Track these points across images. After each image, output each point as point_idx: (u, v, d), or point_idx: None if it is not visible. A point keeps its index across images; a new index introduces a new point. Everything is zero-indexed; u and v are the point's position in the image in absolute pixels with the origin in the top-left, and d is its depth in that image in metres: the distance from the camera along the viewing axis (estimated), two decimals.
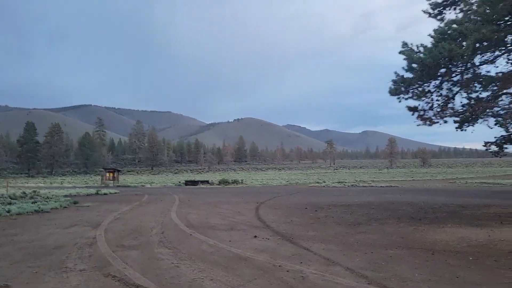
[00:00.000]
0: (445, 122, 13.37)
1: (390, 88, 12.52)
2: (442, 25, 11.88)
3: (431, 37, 11.89)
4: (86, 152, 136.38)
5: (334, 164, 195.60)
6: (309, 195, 33.49)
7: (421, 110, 13.31)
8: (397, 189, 43.84)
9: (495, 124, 20.16)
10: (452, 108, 11.59)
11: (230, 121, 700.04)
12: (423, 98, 13.05)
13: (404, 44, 12.39)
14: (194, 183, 57.99)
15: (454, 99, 13.60)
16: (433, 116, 13.06)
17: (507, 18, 11.66)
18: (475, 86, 13.15)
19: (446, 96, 13.22)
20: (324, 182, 60.22)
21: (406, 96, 12.78)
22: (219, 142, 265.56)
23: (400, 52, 12.52)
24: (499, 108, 19.26)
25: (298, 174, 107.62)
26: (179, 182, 62.21)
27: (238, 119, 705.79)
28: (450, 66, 11.85)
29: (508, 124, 20.01)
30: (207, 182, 59.03)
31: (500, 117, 19.21)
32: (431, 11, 12.83)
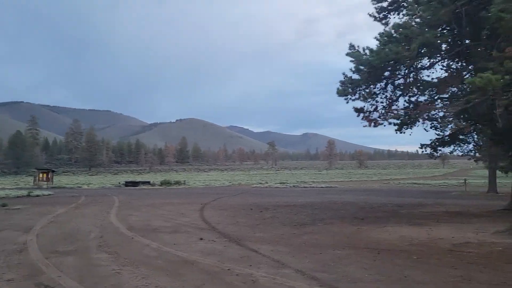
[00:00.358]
0: (390, 124, 13.70)
1: (338, 89, 12.58)
2: (387, 29, 12.11)
3: (377, 40, 12.08)
4: (17, 151, 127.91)
5: (276, 165, 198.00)
6: (253, 195, 33.38)
7: (367, 111, 13.51)
8: (337, 189, 44.94)
9: (431, 128, 21.04)
10: (396, 110, 11.78)
11: (172, 121, 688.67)
12: (369, 100, 13.26)
13: (351, 46, 12.49)
14: (134, 184, 56.07)
15: (398, 101, 13.96)
16: (378, 117, 13.28)
17: (444, 26, 12.09)
18: (414, 91, 13.54)
19: (391, 98, 13.52)
20: (267, 183, 60.56)
21: (353, 97, 12.92)
22: (161, 143, 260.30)
23: (347, 54, 12.61)
24: (435, 112, 20.14)
25: (240, 175, 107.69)
26: (119, 183, 59.88)
27: (180, 119, 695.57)
28: (395, 69, 12.10)
29: (443, 127, 20.98)
30: (148, 183, 57.33)
31: (435, 120, 20.04)
32: (376, 14, 13.08)
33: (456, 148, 22.85)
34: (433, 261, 9.13)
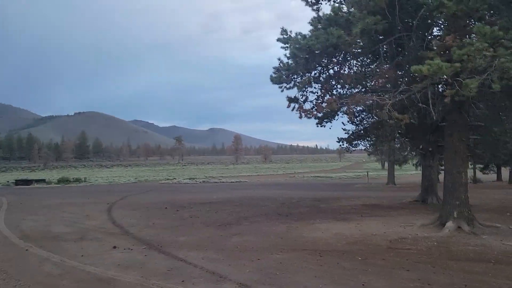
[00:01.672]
0: (323, 114, 12.90)
1: (272, 76, 11.42)
2: (321, 13, 11.22)
3: (311, 25, 11.11)
4: None
5: (182, 160, 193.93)
6: (163, 192, 31.19)
7: (300, 101, 12.55)
8: (247, 184, 44.29)
9: (348, 122, 20.90)
10: (330, 101, 10.92)
11: (70, 114, 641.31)
12: (305, 88, 12.29)
13: (284, 31, 11.38)
14: (27, 182, 49.89)
15: (332, 91, 13.16)
16: (312, 108, 12.38)
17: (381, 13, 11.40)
18: (346, 81, 12.87)
19: (325, 88, 12.68)
20: (175, 178, 58.17)
21: (288, 86, 11.84)
22: (58, 137, 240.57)
23: (278, 40, 11.49)
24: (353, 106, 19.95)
25: (146, 171, 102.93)
26: (8, 181, 53.05)
27: (79, 112, 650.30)
28: (333, 55, 11.26)
29: (357, 121, 20.95)
30: (43, 181, 51.57)
31: (352, 115, 19.88)
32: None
33: (360, 142, 23.18)
34: (379, 262, 8.33)
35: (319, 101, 12.60)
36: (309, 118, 11.59)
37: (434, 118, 10.58)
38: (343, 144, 21.09)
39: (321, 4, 12.31)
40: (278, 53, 11.79)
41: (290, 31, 11.50)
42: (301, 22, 14.99)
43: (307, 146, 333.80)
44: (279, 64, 11.55)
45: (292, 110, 12.47)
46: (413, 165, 46.00)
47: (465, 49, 8.38)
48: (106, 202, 22.22)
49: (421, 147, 18.46)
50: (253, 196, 25.14)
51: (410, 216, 14.53)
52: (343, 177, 63.77)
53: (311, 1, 12.20)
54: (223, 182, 49.86)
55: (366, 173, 49.61)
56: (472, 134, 17.32)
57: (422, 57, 9.62)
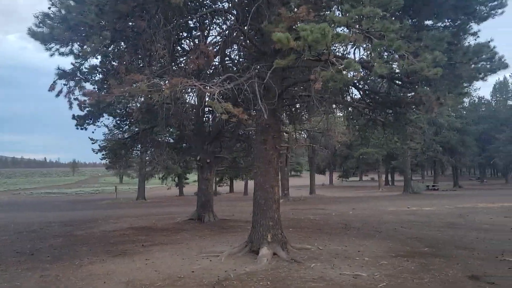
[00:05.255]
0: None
1: (34, 29, 6.54)
2: None
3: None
4: None
5: None
6: None
7: (81, 77, 7.97)
8: None
9: (114, 127, 16.81)
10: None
11: None
12: (89, 57, 7.71)
13: None
14: None
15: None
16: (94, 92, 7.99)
17: None
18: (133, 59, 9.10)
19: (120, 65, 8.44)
20: None
21: (63, 48, 7.17)
22: None
23: None
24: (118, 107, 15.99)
25: None
26: None
27: None
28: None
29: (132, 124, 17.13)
30: None
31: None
32: None
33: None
34: None
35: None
36: (86, 108, 7.27)
37: (265, 116, 7.99)
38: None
39: None
40: None
41: None
42: None
43: (34, 159, 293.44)
44: (50, 9, 6.85)
45: (58, 95, 7.79)
46: (159, 178, 44.29)
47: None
48: None
49: (198, 158, 16.05)
50: None
51: (203, 242, 11.63)
52: (80, 192, 56.82)
53: None
54: None
55: (114, 188, 44.81)
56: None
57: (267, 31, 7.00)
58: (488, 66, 7.21)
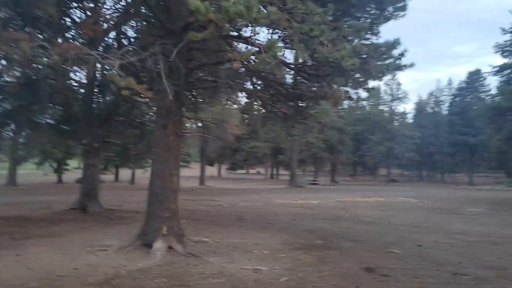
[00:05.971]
0: None
1: None
2: None
3: None
4: None
5: None
6: None
7: None
8: None
9: None
10: None
11: None
12: None
13: None
14: None
15: None
16: None
17: None
18: None
19: None
20: None
21: None
22: None
23: None
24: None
25: None
26: None
27: None
28: None
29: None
30: None
31: None
32: None
33: None
34: None
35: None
36: None
37: (171, 97, 7.15)
38: None
39: None
40: None
41: None
42: None
43: None
44: None
45: None
46: (35, 163, 39.53)
47: None
48: None
49: (85, 142, 14.31)
50: None
51: (87, 235, 10.28)
52: None
53: None
54: None
55: None
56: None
57: None
58: (397, 63, 7.40)
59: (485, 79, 73.63)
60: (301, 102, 11.01)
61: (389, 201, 23.59)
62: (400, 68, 7.46)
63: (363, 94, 9.13)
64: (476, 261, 8.25)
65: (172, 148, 8.94)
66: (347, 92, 7.45)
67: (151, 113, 15.36)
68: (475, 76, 73.68)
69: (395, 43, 7.11)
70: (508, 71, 45.16)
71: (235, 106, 26.59)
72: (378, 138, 59.61)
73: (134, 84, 5.93)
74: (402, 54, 7.26)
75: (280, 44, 5.94)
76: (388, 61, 7.37)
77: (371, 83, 8.11)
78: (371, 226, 13.12)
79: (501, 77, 49.98)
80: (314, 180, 52.00)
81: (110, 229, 11.11)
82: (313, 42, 5.54)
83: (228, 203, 20.29)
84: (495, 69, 46.79)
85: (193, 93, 11.29)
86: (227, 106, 26.47)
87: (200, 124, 25.45)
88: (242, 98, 16.96)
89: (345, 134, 56.34)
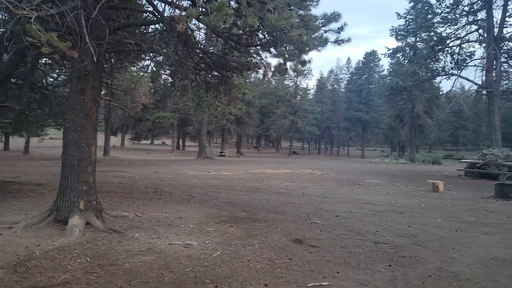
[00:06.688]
0: None
1: None
2: None
3: None
4: None
5: None
6: None
7: None
8: None
9: None
10: None
11: None
12: None
13: None
14: None
15: None
16: None
17: None
18: None
19: None
20: None
21: None
22: None
23: None
24: None
25: None
26: None
27: None
28: None
29: None
30: None
31: None
32: None
33: None
34: None
35: None
36: None
37: (95, 58, 6.29)
38: None
39: None
40: None
41: None
42: None
43: None
44: None
45: None
46: None
47: None
48: None
49: None
50: None
51: None
52: None
53: None
54: None
55: None
56: None
57: None
58: (335, 37, 7.39)
59: (380, 60, 79.79)
60: (225, 71, 10.65)
61: (298, 173, 24.52)
62: (338, 42, 7.49)
63: (298, 67, 8.99)
64: (390, 229, 8.87)
65: (90, 115, 8.02)
66: (283, 64, 7.29)
67: (54, 76, 13.70)
68: (371, 57, 79.37)
69: (335, 16, 7.08)
70: (400, 53, 49.31)
71: (145, 73, 25.20)
72: (282, 112, 61.56)
73: (56, 41, 5.06)
74: (341, 28, 7.29)
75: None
76: (325, 35, 7.35)
77: (306, 57, 8.03)
78: (288, 197, 13.43)
79: (392, 59, 54.36)
80: (221, 152, 52.20)
81: (10, 204, 9.81)
82: (262, 8, 5.22)
83: (139, 175, 19.34)
84: (389, 51, 50.87)
85: (113, 57, 10.23)
86: (135, 74, 24.93)
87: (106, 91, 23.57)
88: (151, 65, 16.01)
89: (252, 107, 57.10)
